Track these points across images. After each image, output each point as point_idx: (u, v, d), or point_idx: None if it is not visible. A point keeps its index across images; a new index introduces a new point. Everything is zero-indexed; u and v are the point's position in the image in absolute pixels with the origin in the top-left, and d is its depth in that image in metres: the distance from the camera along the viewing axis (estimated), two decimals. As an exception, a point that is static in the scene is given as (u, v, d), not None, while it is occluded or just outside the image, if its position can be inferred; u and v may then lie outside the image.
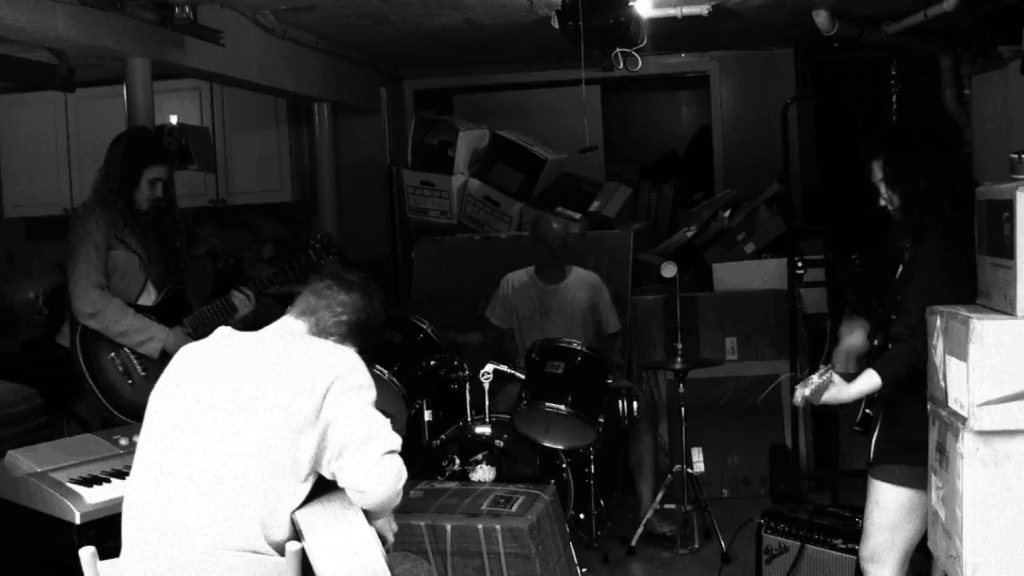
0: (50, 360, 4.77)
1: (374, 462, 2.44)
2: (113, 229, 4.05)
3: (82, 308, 3.98)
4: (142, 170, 4.11)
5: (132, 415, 3.81)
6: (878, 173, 3.18)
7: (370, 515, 2.52)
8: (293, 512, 2.42)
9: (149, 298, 4.18)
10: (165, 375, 2.59)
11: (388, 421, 2.53)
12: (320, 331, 2.66)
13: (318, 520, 2.42)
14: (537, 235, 5.29)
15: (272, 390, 2.45)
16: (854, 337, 3.32)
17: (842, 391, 3.03)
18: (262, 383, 2.47)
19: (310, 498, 2.46)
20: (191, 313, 4.22)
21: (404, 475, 2.51)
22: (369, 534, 2.46)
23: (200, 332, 4.09)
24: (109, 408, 4.01)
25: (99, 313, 3.98)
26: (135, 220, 4.12)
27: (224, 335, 2.64)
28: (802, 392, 2.99)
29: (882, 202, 3.20)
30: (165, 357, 3.76)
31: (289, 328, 2.67)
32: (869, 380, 3.02)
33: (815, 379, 2.98)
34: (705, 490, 5.04)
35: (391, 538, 2.67)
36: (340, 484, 2.46)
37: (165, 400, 2.55)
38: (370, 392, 2.53)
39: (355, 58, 6.45)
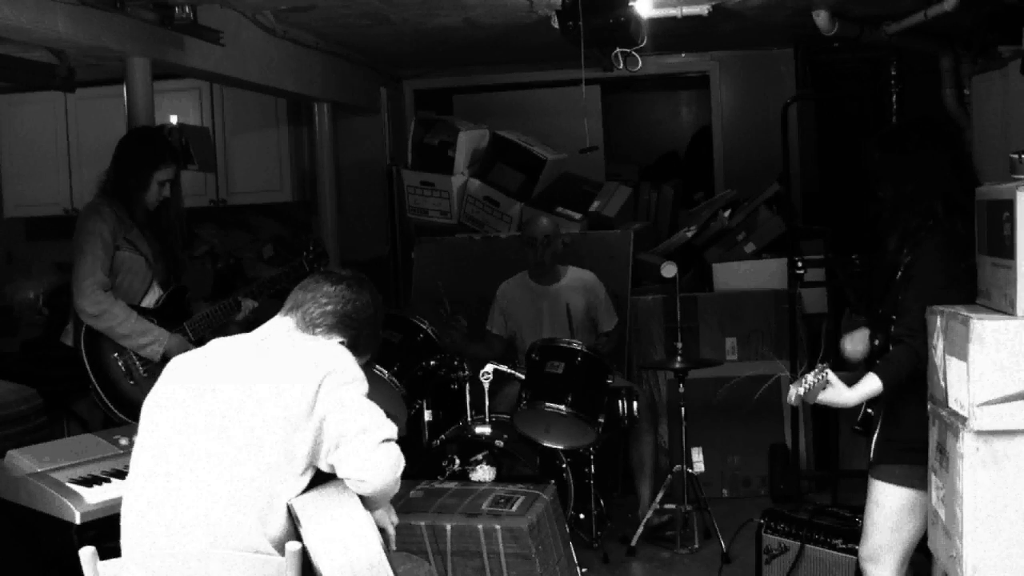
0: (50, 360, 4.76)
1: (372, 450, 2.46)
2: (120, 229, 4.06)
3: (86, 307, 3.97)
4: (153, 172, 4.13)
5: (131, 413, 3.81)
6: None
7: (369, 505, 2.53)
8: (290, 500, 2.43)
9: (153, 298, 4.18)
10: (158, 385, 2.60)
11: (383, 411, 2.54)
12: (307, 324, 2.65)
13: (314, 508, 2.43)
14: (525, 233, 5.29)
15: (264, 389, 2.46)
16: (856, 340, 3.31)
17: (842, 396, 3.02)
18: (254, 383, 2.48)
19: (308, 489, 2.47)
20: (191, 316, 4.22)
21: (402, 462, 2.54)
22: (365, 521, 2.47)
23: (201, 336, 4.10)
24: (110, 406, 4.01)
25: (103, 314, 3.97)
26: (141, 219, 4.12)
27: (214, 343, 2.66)
28: (796, 391, 2.96)
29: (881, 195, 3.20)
30: (166, 360, 3.76)
31: (278, 326, 2.68)
32: (870, 384, 3.01)
33: (810, 378, 2.96)
34: (705, 490, 5.04)
35: (391, 530, 2.68)
36: (339, 475, 2.47)
37: (159, 408, 2.55)
38: (362, 385, 2.55)
39: (355, 58, 6.45)
